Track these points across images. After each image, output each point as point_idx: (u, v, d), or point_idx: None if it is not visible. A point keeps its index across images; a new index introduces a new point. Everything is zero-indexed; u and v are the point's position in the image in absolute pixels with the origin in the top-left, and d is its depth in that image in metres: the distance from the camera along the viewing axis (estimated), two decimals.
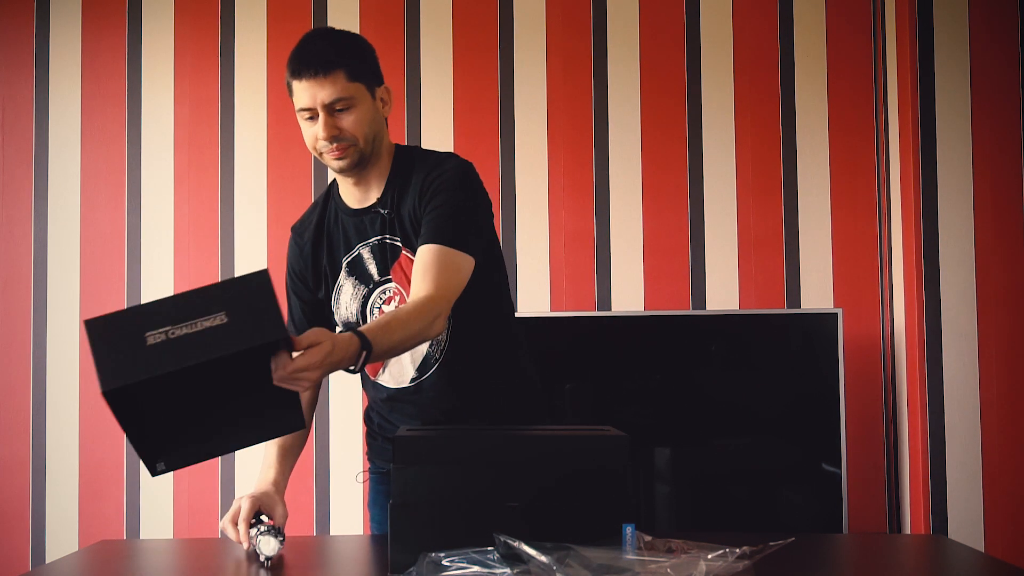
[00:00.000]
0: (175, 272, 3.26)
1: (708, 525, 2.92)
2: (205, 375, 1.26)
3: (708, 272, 3.18)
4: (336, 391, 3.18)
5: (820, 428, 2.90)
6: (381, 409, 1.91)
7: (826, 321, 2.91)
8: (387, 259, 1.79)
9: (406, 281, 1.76)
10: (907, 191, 2.95)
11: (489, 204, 1.83)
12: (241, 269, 3.25)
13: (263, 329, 1.25)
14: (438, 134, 3.23)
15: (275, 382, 1.35)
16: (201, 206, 3.28)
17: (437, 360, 1.80)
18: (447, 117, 3.24)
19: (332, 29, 1.79)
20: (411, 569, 1.30)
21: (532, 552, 1.26)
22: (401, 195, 1.78)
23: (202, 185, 3.28)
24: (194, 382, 1.27)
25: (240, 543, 1.66)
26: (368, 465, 1.99)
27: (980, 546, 2.83)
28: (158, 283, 3.26)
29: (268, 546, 1.57)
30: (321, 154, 1.75)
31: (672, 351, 3.02)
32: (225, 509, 3.17)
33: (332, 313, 1.88)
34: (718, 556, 1.29)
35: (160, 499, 3.21)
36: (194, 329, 1.25)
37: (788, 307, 3.15)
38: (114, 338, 1.25)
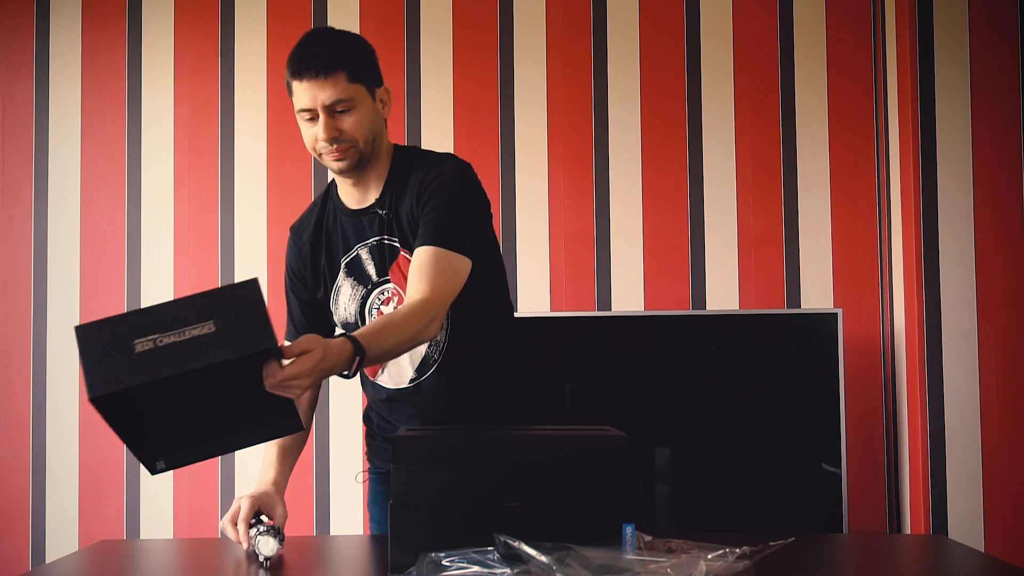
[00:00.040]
0: (175, 272, 3.26)
1: (708, 525, 2.92)
2: (195, 382, 1.26)
3: (708, 272, 3.18)
4: (336, 391, 3.18)
5: (820, 428, 2.90)
6: (380, 409, 1.91)
7: (826, 321, 2.91)
8: (385, 260, 1.79)
9: (404, 282, 1.76)
10: (907, 191, 2.95)
11: (487, 205, 1.83)
12: (241, 269, 3.25)
13: (250, 339, 1.25)
14: (438, 134, 3.23)
15: (267, 389, 1.35)
16: (201, 206, 3.28)
17: (436, 361, 1.80)
18: (447, 117, 3.24)
19: (332, 29, 1.79)
20: (411, 569, 1.30)
21: (532, 552, 1.26)
22: (399, 196, 1.78)
23: (202, 185, 3.28)
24: (184, 388, 1.27)
25: (239, 543, 1.66)
26: (368, 465, 1.99)
27: (980, 546, 2.83)
28: (158, 283, 3.26)
29: (267, 546, 1.57)
30: (320, 155, 1.74)
31: (672, 351, 3.02)
32: (225, 509, 3.17)
33: (331, 313, 1.88)
34: (718, 556, 1.29)
35: (160, 499, 3.21)
36: (182, 337, 1.25)
37: (788, 307, 3.15)
38: (103, 345, 1.25)
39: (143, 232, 3.28)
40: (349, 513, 3.16)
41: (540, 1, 3.25)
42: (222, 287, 1.29)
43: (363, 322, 1.82)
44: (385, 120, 1.81)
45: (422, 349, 1.80)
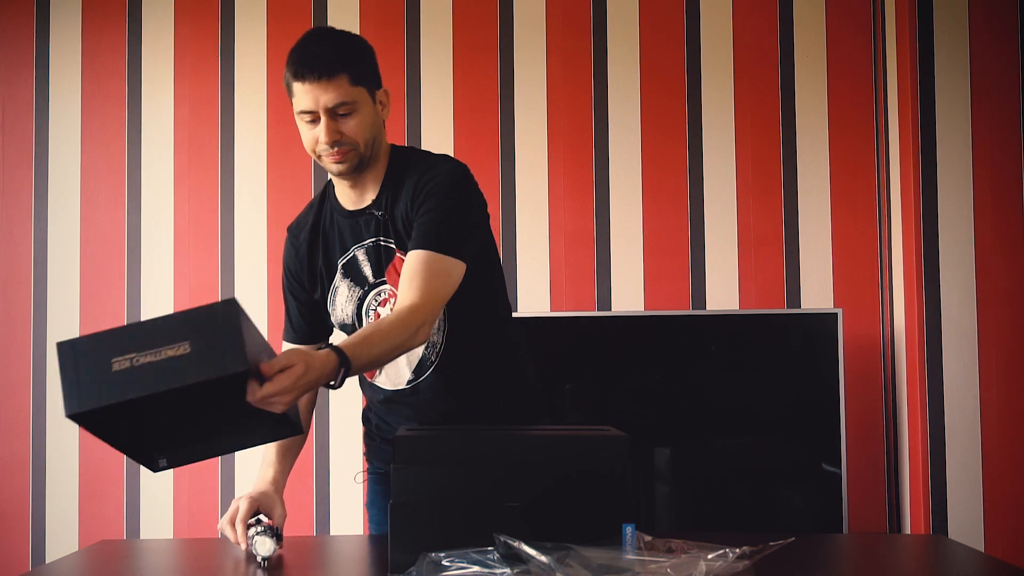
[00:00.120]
0: (175, 272, 3.26)
1: (708, 525, 2.92)
2: (174, 398, 1.27)
3: (708, 272, 3.18)
4: (336, 391, 3.18)
5: (820, 428, 2.90)
6: (379, 410, 1.91)
7: (826, 321, 2.91)
8: (381, 261, 1.78)
9: None
10: (907, 191, 2.95)
11: (484, 206, 1.82)
12: (241, 269, 3.25)
13: (224, 362, 1.25)
14: (438, 134, 3.23)
15: (251, 404, 1.35)
16: (201, 206, 3.28)
17: (433, 363, 1.80)
18: (447, 117, 3.24)
19: (333, 29, 1.78)
20: (411, 569, 1.30)
21: (532, 552, 1.26)
22: (395, 197, 1.77)
23: (202, 185, 3.28)
24: (165, 404, 1.28)
25: (238, 544, 1.66)
26: (367, 465, 1.99)
27: (980, 546, 2.83)
28: (158, 283, 3.26)
29: (264, 546, 1.57)
30: (320, 157, 1.74)
31: (672, 351, 3.02)
32: (225, 509, 3.17)
33: (328, 314, 1.88)
34: (718, 556, 1.29)
35: (160, 499, 3.21)
36: (158, 357, 1.25)
37: (788, 307, 3.15)
38: (81, 362, 1.26)
39: (143, 232, 3.28)
40: (349, 513, 3.16)
41: (540, 1, 3.25)
42: (201, 307, 1.29)
43: (360, 323, 1.82)
44: (383, 122, 1.81)
45: (419, 351, 1.79)
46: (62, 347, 1.27)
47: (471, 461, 1.45)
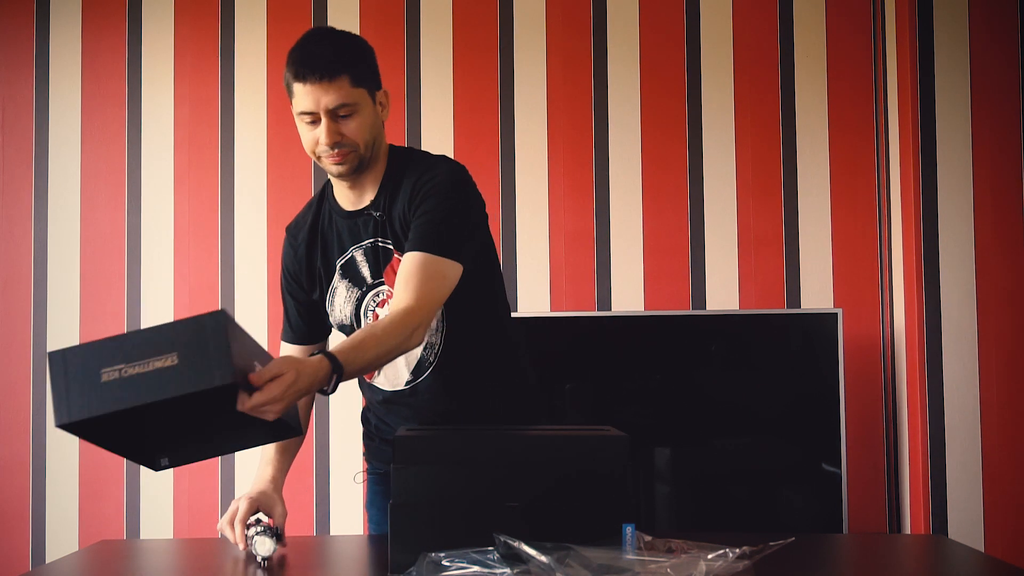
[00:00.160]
0: (175, 272, 3.26)
1: (708, 525, 2.92)
2: (166, 407, 1.27)
3: (708, 272, 3.18)
4: (336, 391, 3.17)
5: (820, 428, 2.90)
6: (378, 411, 1.91)
7: (826, 321, 2.91)
8: (379, 262, 1.78)
9: None
10: (907, 191, 2.95)
11: (482, 207, 1.82)
12: (241, 269, 3.25)
13: (210, 375, 1.26)
14: (438, 134, 3.23)
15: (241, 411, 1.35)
16: (201, 206, 3.28)
17: (431, 364, 1.80)
18: (447, 117, 3.24)
19: (333, 30, 1.77)
20: (411, 569, 1.30)
21: (532, 552, 1.26)
22: (393, 198, 1.77)
23: (202, 185, 3.28)
24: (157, 412, 1.28)
25: (237, 544, 1.66)
26: (366, 466, 1.99)
27: (980, 546, 2.83)
28: (158, 283, 3.26)
29: (264, 546, 1.57)
30: (319, 158, 1.73)
31: (672, 351, 3.02)
32: (225, 509, 3.16)
33: (326, 314, 1.87)
34: (718, 556, 1.29)
35: (160, 499, 3.21)
36: (146, 369, 1.26)
37: (788, 307, 3.15)
38: (71, 372, 1.28)
39: (143, 232, 3.28)
40: (349, 513, 3.16)
41: (540, 1, 3.25)
42: (190, 318, 1.29)
43: (359, 324, 1.82)
44: (383, 122, 1.80)
45: (417, 352, 1.79)
46: (53, 357, 1.29)
47: (471, 461, 1.45)
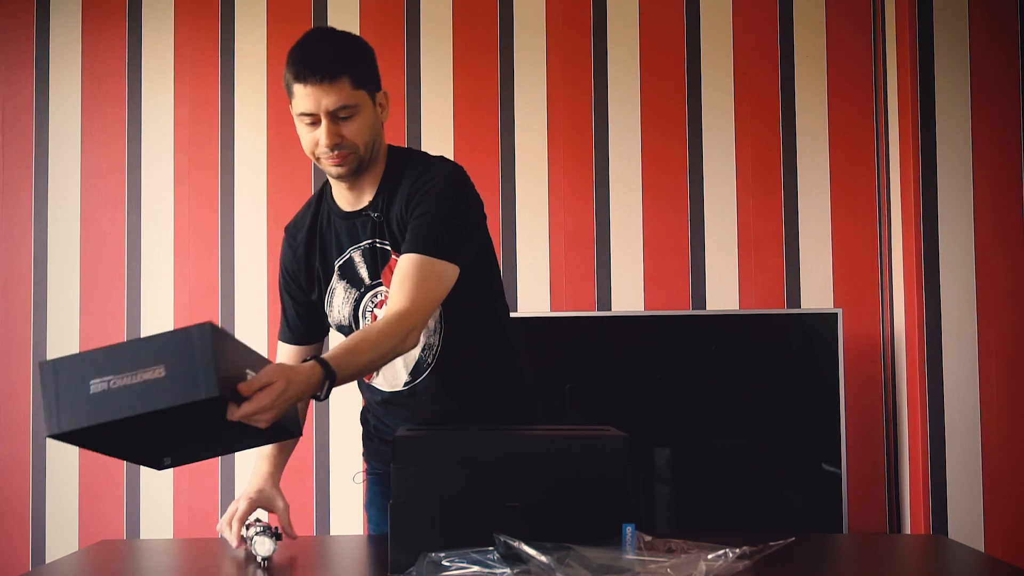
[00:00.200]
0: (175, 272, 3.26)
1: (708, 525, 2.92)
2: (157, 417, 1.28)
3: (708, 272, 3.18)
4: (336, 391, 3.17)
5: (820, 428, 2.90)
6: (377, 411, 1.91)
7: (826, 321, 2.91)
8: (377, 263, 1.78)
9: None
10: (907, 191, 2.95)
11: (480, 207, 1.81)
12: (241, 269, 3.25)
13: (196, 387, 1.26)
14: (438, 134, 3.23)
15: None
16: (201, 206, 3.28)
17: (430, 365, 1.80)
18: (447, 117, 3.24)
19: (334, 30, 1.77)
20: (411, 569, 1.30)
21: (532, 552, 1.26)
22: (391, 199, 1.77)
23: (202, 185, 3.28)
24: (150, 421, 1.29)
25: (232, 544, 1.67)
26: (366, 466, 1.99)
27: (980, 546, 2.83)
28: (158, 283, 3.26)
29: (263, 546, 1.57)
30: (319, 159, 1.73)
31: (672, 351, 3.02)
32: (225, 509, 3.17)
33: (325, 315, 1.87)
34: (718, 556, 1.29)
35: (160, 499, 3.21)
36: (133, 381, 1.27)
37: (788, 307, 3.15)
38: (62, 382, 1.29)
39: (143, 232, 3.28)
40: (349, 513, 3.16)
41: (540, 1, 3.25)
42: (178, 330, 1.30)
43: (357, 325, 1.81)
44: (382, 124, 1.80)
45: (415, 352, 1.79)
46: (44, 367, 1.30)
47: (471, 461, 1.45)
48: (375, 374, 1.85)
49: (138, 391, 1.26)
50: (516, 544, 1.28)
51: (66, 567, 1.64)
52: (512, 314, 2.01)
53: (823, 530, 2.88)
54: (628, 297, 3.18)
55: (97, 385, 1.27)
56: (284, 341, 1.94)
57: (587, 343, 3.04)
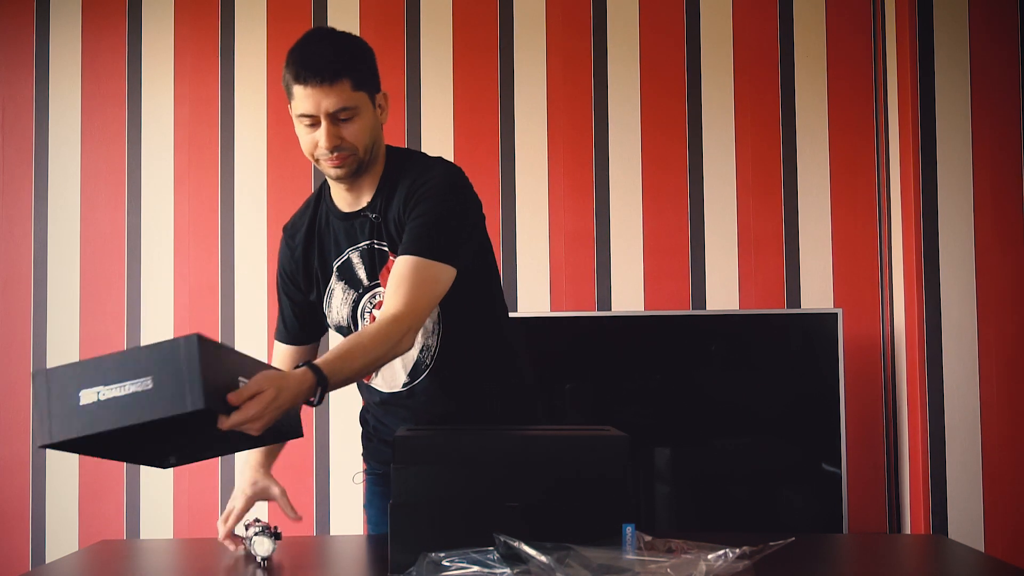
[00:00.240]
0: (175, 272, 3.26)
1: (708, 525, 2.92)
2: (148, 427, 1.29)
3: (708, 272, 3.18)
4: (336, 391, 3.18)
5: (820, 428, 2.90)
6: (376, 412, 1.91)
7: (826, 321, 2.91)
8: (375, 264, 1.77)
9: None
10: (907, 191, 2.95)
11: (478, 208, 1.81)
12: (241, 269, 3.25)
13: (182, 399, 1.27)
14: (438, 134, 3.23)
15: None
16: (201, 206, 3.28)
17: (428, 366, 1.79)
18: (447, 117, 3.24)
19: (334, 31, 1.76)
20: (411, 569, 1.30)
21: (532, 552, 1.26)
22: (389, 200, 1.76)
23: (202, 185, 3.28)
24: (141, 431, 1.30)
25: (230, 545, 1.66)
26: (365, 466, 1.99)
27: (980, 546, 2.83)
28: (158, 283, 3.26)
29: (263, 547, 1.57)
30: (318, 161, 1.72)
31: (672, 351, 3.02)
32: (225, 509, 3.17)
33: (325, 316, 1.87)
34: (718, 556, 1.29)
35: (160, 499, 3.21)
36: (122, 392, 1.27)
37: (788, 307, 3.15)
38: (53, 392, 1.30)
39: (143, 232, 3.28)
40: (349, 513, 3.16)
41: (540, 1, 3.25)
42: (166, 341, 1.30)
43: (356, 326, 1.81)
44: (382, 125, 1.80)
45: (413, 354, 1.79)
46: (37, 376, 1.31)
47: (471, 461, 1.45)
48: (374, 375, 1.84)
49: (126, 403, 1.27)
50: (516, 544, 1.28)
51: (66, 567, 1.64)
52: (512, 314, 2.01)
53: (823, 530, 2.88)
54: (628, 297, 3.18)
55: (87, 396, 1.28)
56: (280, 341, 1.94)
57: (587, 343, 3.04)
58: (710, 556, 1.29)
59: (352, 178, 1.75)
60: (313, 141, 1.70)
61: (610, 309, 3.16)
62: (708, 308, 3.16)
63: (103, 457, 1.40)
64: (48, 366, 3.23)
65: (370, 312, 1.79)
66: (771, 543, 1.36)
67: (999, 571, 1.52)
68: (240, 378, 1.36)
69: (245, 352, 1.45)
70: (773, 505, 2.99)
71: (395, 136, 3.20)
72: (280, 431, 1.49)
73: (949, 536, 2.78)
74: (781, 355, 3.04)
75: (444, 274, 1.67)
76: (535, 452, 1.45)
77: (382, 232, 1.76)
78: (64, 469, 3.23)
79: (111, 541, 1.92)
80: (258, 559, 1.58)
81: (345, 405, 3.16)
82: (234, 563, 1.62)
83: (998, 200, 2.91)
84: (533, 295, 3.19)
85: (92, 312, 3.26)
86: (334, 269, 1.82)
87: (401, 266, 1.66)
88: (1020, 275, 2.89)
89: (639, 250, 3.19)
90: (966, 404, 2.86)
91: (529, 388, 1.93)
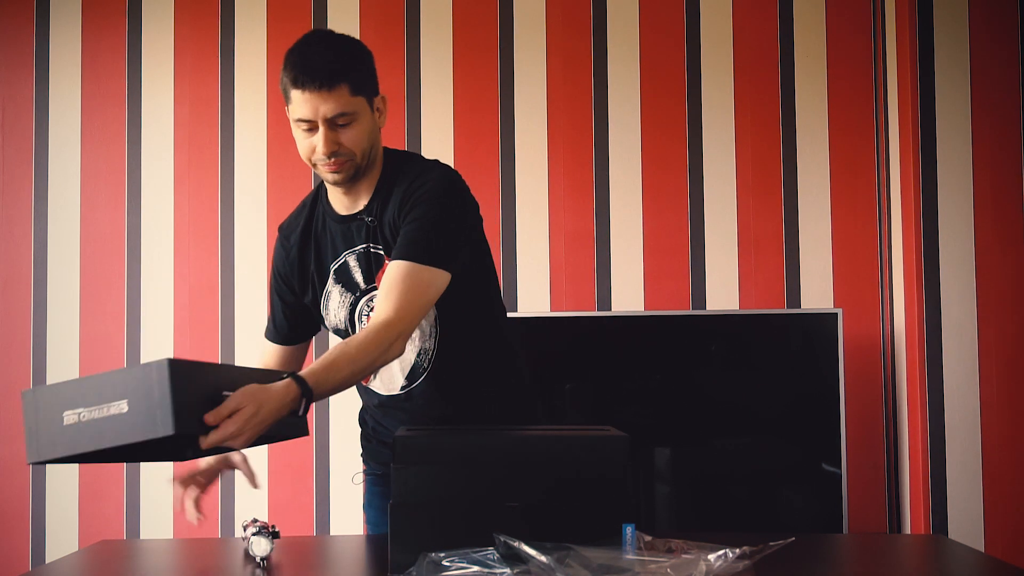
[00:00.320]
0: (175, 272, 3.26)
1: (708, 525, 2.92)
2: (134, 444, 1.31)
3: (708, 272, 3.18)
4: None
5: (820, 428, 2.90)
6: (375, 413, 1.91)
7: (826, 321, 2.91)
8: (372, 267, 1.77)
9: None
10: (907, 191, 2.95)
11: (475, 211, 1.80)
12: (241, 269, 3.25)
13: (155, 425, 1.28)
14: (438, 134, 3.23)
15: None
16: (201, 206, 3.28)
17: (426, 369, 1.79)
18: (447, 117, 3.24)
19: (332, 34, 1.75)
20: (411, 569, 1.30)
21: (532, 552, 1.26)
22: (385, 204, 1.75)
23: (202, 185, 3.28)
24: (129, 447, 1.32)
25: (191, 511, 1.65)
26: (365, 466, 1.99)
27: (980, 546, 2.83)
28: (158, 283, 3.26)
29: (260, 547, 1.57)
30: (315, 165, 1.71)
31: (672, 351, 3.02)
32: (225, 509, 3.18)
33: (321, 317, 1.87)
34: (718, 556, 1.29)
35: (160, 499, 3.21)
36: (100, 414, 1.31)
37: (788, 307, 3.15)
38: (40, 412, 1.35)
39: (143, 232, 3.28)
40: (349, 513, 3.16)
41: (540, 1, 3.25)
42: (139, 366, 1.32)
43: (353, 329, 1.81)
44: (380, 128, 1.79)
45: (411, 357, 1.79)
46: (26, 395, 1.35)
47: (471, 461, 1.45)
48: (372, 377, 1.84)
49: (104, 425, 1.30)
50: (516, 544, 1.28)
51: (66, 567, 1.64)
52: (512, 314, 2.01)
53: (823, 530, 2.88)
54: (628, 297, 3.18)
55: (69, 417, 1.32)
56: (269, 339, 1.94)
57: (587, 343, 3.04)
58: (710, 556, 1.29)
59: (349, 182, 1.75)
60: (311, 146, 1.69)
61: (610, 309, 3.16)
62: (708, 308, 3.16)
63: (105, 462, 1.42)
64: (47, 369, 3.25)
65: (367, 315, 1.79)
66: (771, 543, 1.36)
67: (999, 571, 1.52)
68: (225, 392, 1.37)
69: (232, 363, 1.46)
70: (773, 505, 2.99)
71: (395, 136, 3.20)
72: (285, 430, 1.50)
73: (949, 536, 2.78)
74: (781, 355, 3.04)
75: (437, 279, 1.66)
76: (535, 452, 1.45)
77: (378, 236, 1.75)
78: (64, 469, 3.23)
79: (111, 541, 1.92)
80: (257, 559, 1.57)
81: (345, 406, 3.16)
82: (234, 563, 1.62)
83: (998, 200, 2.91)
84: (533, 295, 3.19)
85: (92, 312, 3.26)
86: (331, 272, 1.82)
87: (393, 271, 1.65)
88: (1020, 275, 2.89)
89: (639, 250, 3.19)
90: (966, 404, 2.86)
91: (527, 388, 1.93)
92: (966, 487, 2.84)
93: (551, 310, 3.17)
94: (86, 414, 1.31)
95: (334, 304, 1.82)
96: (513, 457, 1.45)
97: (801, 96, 3.21)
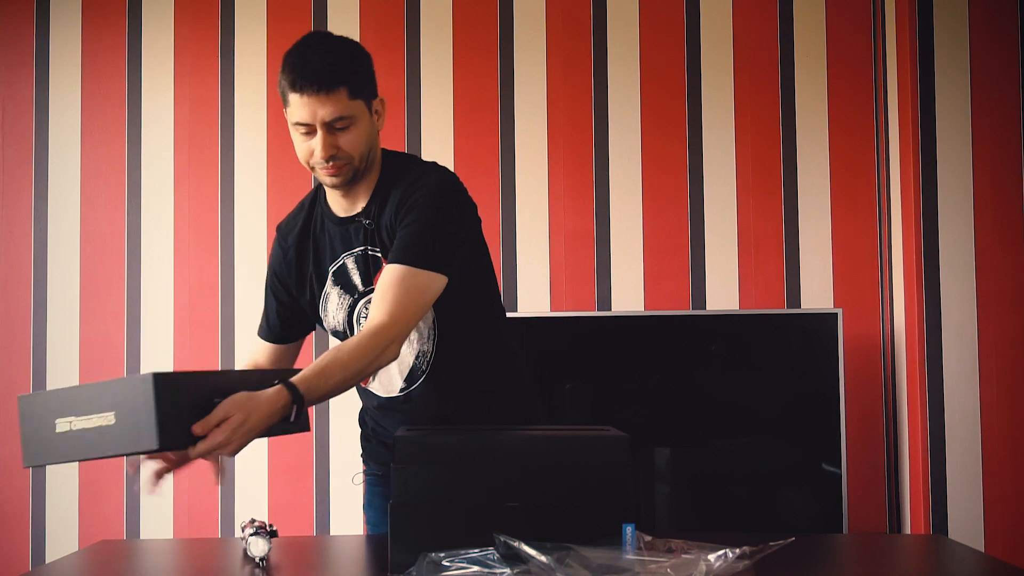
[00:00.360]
0: (175, 272, 3.26)
1: (708, 525, 2.92)
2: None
3: (708, 272, 3.18)
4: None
5: (820, 428, 2.90)
6: (374, 414, 1.91)
7: (826, 321, 2.91)
8: (370, 270, 1.76)
9: None
10: (907, 191, 2.95)
11: (473, 213, 1.79)
12: (241, 269, 3.25)
13: (138, 439, 1.30)
14: (438, 134, 3.23)
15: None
16: (201, 206, 3.28)
17: (424, 371, 1.79)
18: (447, 117, 3.24)
19: (331, 36, 1.74)
20: (411, 569, 1.30)
21: (532, 552, 1.26)
22: (383, 207, 1.75)
23: (202, 185, 3.28)
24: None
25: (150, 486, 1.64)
26: (365, 467, 1.99)
27: (980, 546, 2.83)
28: (158, 283, 3.26)
29: (257, 547, 1.57)
30: (313, 168, 1.70)
31: (672, 351, 3.02)
32: (225, 509, 3.18)
33: (319, 319, 1.87)
34: (718, 556, 1.29)
35: (160, 499, 3.21)
36: (89, 425, 1.33)
37: (788, 307, 3.15)
38: (35, 418, 1.36)
39: (143, 232, 3.28)
40: (348, 513, 3.16)
41: (540, 1, 3.25)
42: (124, 378, 1.33)
43: (352, 331, 1.80)
44: (378, 131, 1.78)
45: (409, 360, 1.78)
46: (21, 401, 1.37)
47: (471, 461, 1.45)
48: (371, 379, 1.84)
49: (92, 436, 1.32)
50: (516, 544, 1.28)
51: (66, 567, 1.64)
52: (512, 314, 2.00)
53: (823, 530, 2.88)
54: (628, 297, 3.18)
55: (61, 425, 1.34)
56: (261, 337, 1.94)
57: (587, 343, 3.04)
58: (710, 556, 1.29)
59: (348, 185, 1.74)
60: (309, 149, 1.68)
61: (610, 309, 3.16)
62: (708, 308, 3.16)
63: (106, 458, 1.41)
64: (47, 369, 3.25)
65: (366, 317, 1.78)
66: (771, 543, 1.36)
67: (999, 571, 1.52)
68: (216, 399, 1.38)
69: (229, 367, 1.47)
70: (773, 505, 2.99)
71: (395, 137, 3.20)
72: (286, 426, 1.50)
73: (949, 536, 2.78)
74: (781, 355, 3.04)
75: (433, 282, 1.66)
76: (535, 452, 1.45)
77: (375, 238, 1.75)
78: (64, 469, 3.22)
79: (111, 541, 1.92)
80: (255, 559, 1.57)
81: (345, 406, 3.15)
82: (233, 563, 1.62)
83: (998, 200, 2.91)
84: (533, 295, 3.19)
85: (92, 312, 3.26)
86: (330, 273, 1.81)
87: (388, 275, 1.64)
88: (1020, 275, 2.89)
89: (639, 250, 3.19)
90: (966, 404, 2.86)
91: (527, 388, 1.93)
92: (966, 487, 2.84)
93: (551, 310, 3.17)
94: (76, 423, 1.32)
95: (333, 306, 1.82)
96: (513, 457, 1.45)
97: (801, 96, 3.21)
